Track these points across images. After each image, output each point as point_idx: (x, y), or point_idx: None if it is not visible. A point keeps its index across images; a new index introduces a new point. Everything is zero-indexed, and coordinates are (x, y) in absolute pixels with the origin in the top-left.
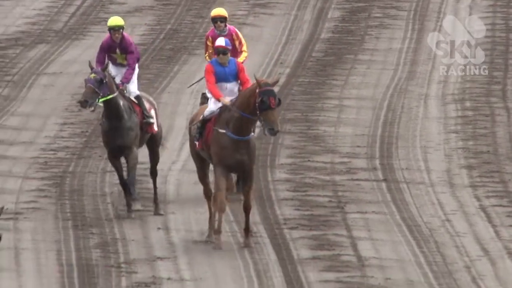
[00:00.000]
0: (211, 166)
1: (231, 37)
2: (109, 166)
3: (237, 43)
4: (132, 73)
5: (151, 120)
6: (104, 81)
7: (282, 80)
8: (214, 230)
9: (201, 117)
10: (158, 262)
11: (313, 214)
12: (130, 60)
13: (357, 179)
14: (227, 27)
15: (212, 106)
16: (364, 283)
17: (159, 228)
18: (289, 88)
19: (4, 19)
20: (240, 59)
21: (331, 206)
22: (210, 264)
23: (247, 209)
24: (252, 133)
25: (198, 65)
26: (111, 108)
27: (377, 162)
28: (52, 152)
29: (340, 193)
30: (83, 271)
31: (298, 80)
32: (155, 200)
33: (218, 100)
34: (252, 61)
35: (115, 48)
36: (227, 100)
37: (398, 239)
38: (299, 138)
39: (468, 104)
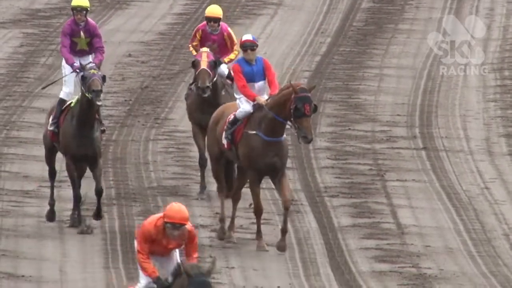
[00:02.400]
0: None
1: (222, 36)
2: (152, 134)
3: (228, 42)
4: (103, 56)
5: (105, 128)
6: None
7: (323, 49)
8: (258, 234)
9: (231, 117)
10: (200, 230)
11: (353, 182)
12: (98, 43)
13: (397, 148)
14: (220, 26)
15: (246, 106)
16: (404, 250)
17: (202, 199)
18: (330, 57)
19: None
20: (231, 56)
21: (371, 174)
22: (252, 232)
23: (287, 206)
24: (284, 135)
25: (240, 34)
26: (88, 111)
27: (417, 130)
28: None
29: (380, 161)
30: (125, 238)
31: (339, 49)
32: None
33: (254, 100)
34: (293, 30)
35: (79, 32)
36: (263, 99)
37: (438, 207)
38: (340, 107)
39: (507, 73)
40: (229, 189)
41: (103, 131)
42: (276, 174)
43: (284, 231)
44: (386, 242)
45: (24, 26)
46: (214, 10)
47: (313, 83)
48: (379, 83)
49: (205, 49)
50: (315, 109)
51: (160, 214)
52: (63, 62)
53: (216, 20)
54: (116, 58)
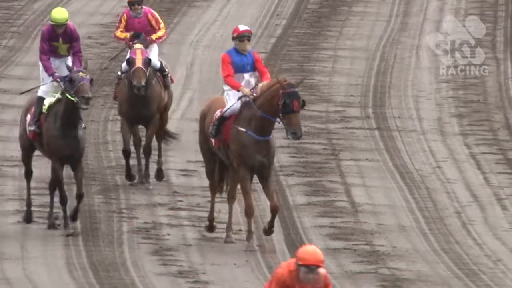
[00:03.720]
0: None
1: (146, 17)
2: (112, 115)
3: (153, 22)
4: (81, 63)
5: (85, 126)
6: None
7: (278, 32)
8: (249, 235)
9: (218, 115)
10: (158, 208)
11: (308, 161)
12: (76, 48)
13: (351, 127)
14: (142, 9)
15: (233, 104)
16: (358, 228)
17: (132, 184)
18: (285, 39)
19: None
20: (159, 33)
21: (326, 153)
22: (207, 210)
23: (275, 211)
24: (272, 134)
25: (197, 17)
26: (73, 113)
27: (370, 110)
28: None
29: (334, 141)
30: (85, 216)
31: (294, 31)
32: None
33: (238, 90)
34: (249, 13)
35: (57, 37)
36: (246, 90)
37: (391, 185)
38: None
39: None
40: (222, 187)
41: (83, 128)
42: (264, 173)
43: (268, 231)
44: (340, 220)
45: None
46: None
47: (300, 78)
48: (333, 64)
49: (139, 45)
50: (303, 104)
51: (293, 259)
52: (42, 66)
53: (139, 2)
54: None
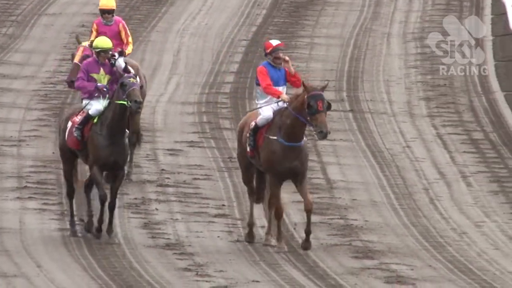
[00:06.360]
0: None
1: (117, 27)
2: None
3: (123, 34)
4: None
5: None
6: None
7: (259, 21)
8: (278, 235)
9: (253, 124)
10: (147, 185)
11: None
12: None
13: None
14: (114, 18)
15: (266, 113)
16: (333, 203)
17: (148, 154)
18: (266, 27)
19: None
20: (129, 50)
21: None
22: (194, 187)
23: (309, 209)
24: (305, 139)
25: (183, 7)
26: (121, 118)
27: (345, 94)
28: (52, 86)
29: None
30: (79, 193)
31: (273, 20)
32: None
33: (279, 97)
34: (232, 3)
35: (99, 68)
36: (286, 96)
37: (363, 164)
38: None
39: (427, 41)
40: (259, 196)
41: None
42: (297, 177)
43: (308, 232)
44: (317, 196)
45: None
46: (108, 3)
47: (325, 82)
48: (310, 51)
49: (84, 43)
50: (329, 106)
51: None
52: (80, 92)
53: (110, 11)
54: (71, 28)
